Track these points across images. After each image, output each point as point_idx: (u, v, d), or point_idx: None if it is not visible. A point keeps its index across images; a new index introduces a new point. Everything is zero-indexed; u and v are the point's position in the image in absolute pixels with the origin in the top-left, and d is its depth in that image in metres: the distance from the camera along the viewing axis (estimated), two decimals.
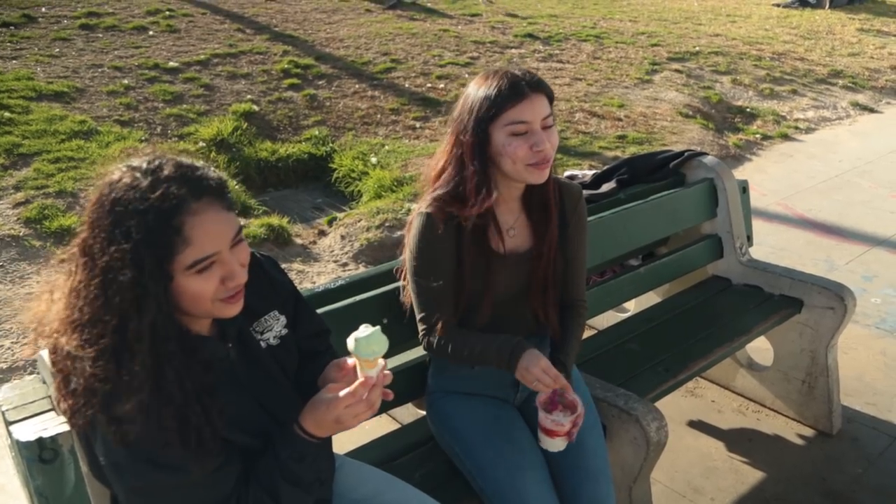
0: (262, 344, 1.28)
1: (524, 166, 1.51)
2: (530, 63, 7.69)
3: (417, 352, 1.79)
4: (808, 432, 2.65)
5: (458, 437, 1.67)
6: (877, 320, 3.42)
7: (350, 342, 1.16)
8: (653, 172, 2.83)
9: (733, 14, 11.93)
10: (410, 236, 1.62)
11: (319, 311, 1.68)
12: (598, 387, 1.89)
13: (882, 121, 7.33)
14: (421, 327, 1.65)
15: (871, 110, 7.65)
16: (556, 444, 1.54)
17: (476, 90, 1.54)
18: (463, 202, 1.55)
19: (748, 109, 7.10)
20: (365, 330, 1.17)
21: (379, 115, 5.96)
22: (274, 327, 1.31)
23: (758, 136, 6.45)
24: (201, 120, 5.38)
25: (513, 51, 8.05)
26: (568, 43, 8.62)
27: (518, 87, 1.49)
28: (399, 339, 1.73)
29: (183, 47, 6.84)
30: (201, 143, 4.96)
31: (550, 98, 1.54)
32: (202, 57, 6.59)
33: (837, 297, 2.55)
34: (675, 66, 8.01)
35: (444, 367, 1.73)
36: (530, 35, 8.72)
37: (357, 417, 1.17)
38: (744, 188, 2.85)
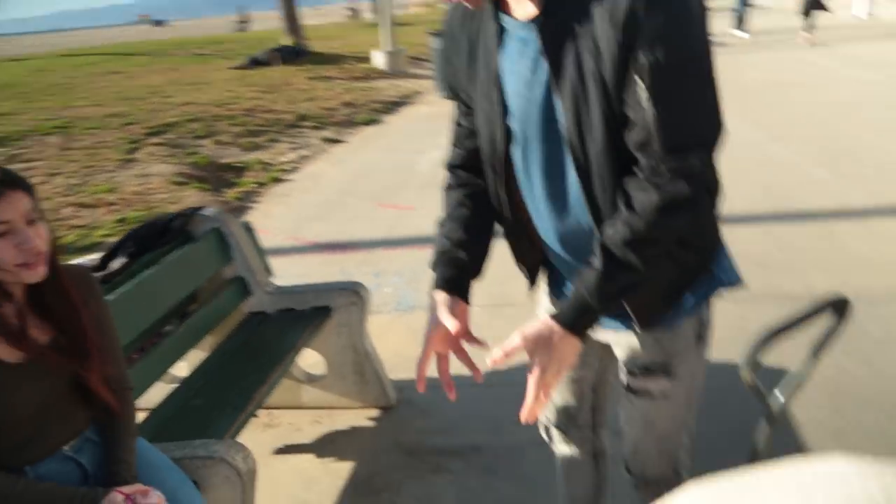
0: None
1: (14, 268, 1.43)
2: None
3: None
4: (376, 413, 3.01)
5: None
6: (393, 305, 4.04)
7: None
8: (160, 237, 2.85)
9: (196, 82, 12.49)
10: None
11: None
12: (174, 448, 1.85)
13: (350, 148, 8.58)
14: None
15: (339, 141, 8.88)
16: None
17: None
18: None
19: (236, 164, 7.56)
20: None
21: None
22: None
23: (253, 185, 6.92)
24: None
25: None
26: (29, 140, 7.93)
27: None
28: None
29: None
30: None
31: (31, 192, 1.49)
32: None
33: (354, 293, 2.95)
34: (155, 140, 8.04)
35: None
36: None
37: None
38: (248, 228, 3.08)
